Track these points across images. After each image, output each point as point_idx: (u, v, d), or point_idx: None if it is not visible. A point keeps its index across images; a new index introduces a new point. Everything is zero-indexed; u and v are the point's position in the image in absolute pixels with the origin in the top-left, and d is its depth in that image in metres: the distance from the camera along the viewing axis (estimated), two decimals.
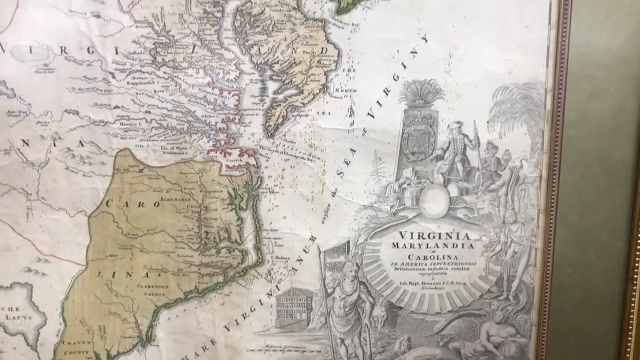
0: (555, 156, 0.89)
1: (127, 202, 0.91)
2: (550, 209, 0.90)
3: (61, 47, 0.87)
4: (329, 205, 0.91)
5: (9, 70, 0.87)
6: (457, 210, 0.91)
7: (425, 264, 0.93)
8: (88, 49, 0.87)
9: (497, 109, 0.88)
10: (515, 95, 0.88)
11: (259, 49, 0.87)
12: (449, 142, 0.89)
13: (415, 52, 0.87)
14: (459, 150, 0.89)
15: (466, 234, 0.92)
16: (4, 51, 0.87)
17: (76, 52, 0.87)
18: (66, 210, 0.91)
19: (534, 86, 0.87)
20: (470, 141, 0.89)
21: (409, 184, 0.90)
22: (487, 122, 0.89)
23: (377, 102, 0.88)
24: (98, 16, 0.86)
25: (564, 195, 0.90)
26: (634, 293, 0.91)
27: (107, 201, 0.91)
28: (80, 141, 0.89)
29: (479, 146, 0.89)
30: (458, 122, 0.89)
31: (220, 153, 0.90)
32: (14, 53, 0.87)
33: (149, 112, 0.88)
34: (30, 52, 0.87)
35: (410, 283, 0.93)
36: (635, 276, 0.90)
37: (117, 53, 0.87)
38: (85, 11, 0.86)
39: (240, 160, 0.90)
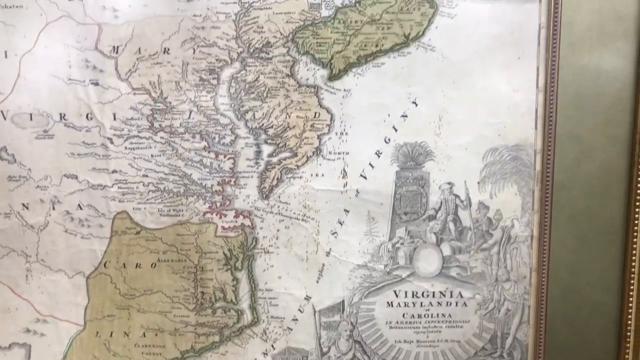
0: (546, 216, 0.90)
1: (124, 264, 0.93)
2: (542, 267, 0.91)
3: (60, 114, 0.89)
4: (323, 265, 0.92)
5: (10, 137, 0.90)
6: (450, 269, 0.92)
7: (420, 322, 0.94)
8: (87, 115, 0.89)
9: (488, 170, 0.90)
10: (505, 156, 0.89)
11: (254, 114, 0.89)
12: (441, 203, 0.91)
13: (406, 116, 0.89)
14: (450, 211, 0.91)
15: (460, 292, 0.93)
16: (5, 118, 0.89)
17: (75, 118, 0.89)
18: (65, 271, 0.93)
19: (523, 148, 0.89)
20: (462, 201, 0.90)
21: (402, 244, 0.92)
22: (478, 182, 0.90)
23: (370, 164, 0.90)
24: (96, 84, 0.88)
25: (555, 253, 0.91)
26: (627, 350, 0.91)
27: (105, 263, 0.93)
28: (79, 204, 0.91)
29: (470, 206, 0.91)
30: (449, 183, 0.90)
31: (216, 215, 0.92)
32: (14, 120, 0.89)
33: (146, 176, 0.90)
34: (31, 119, 0.89)
35: (405, 341, 0.94)
36: (629, 333, 0.91)
37: (115, 119, 0.89)
38: (84, 79, 0.88)
39: (236, 222, 0.92)
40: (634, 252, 0.89)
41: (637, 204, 0.88)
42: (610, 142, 0.89)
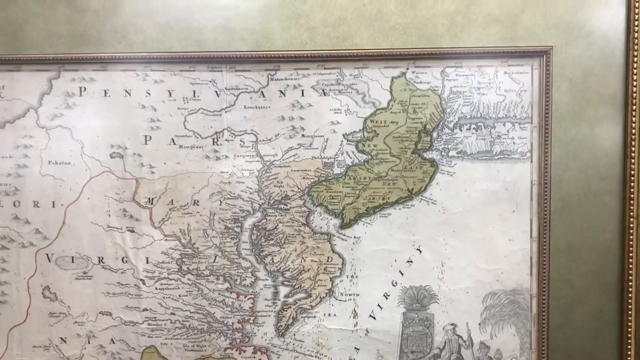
0: (543, 355, 0.96)
1: None
2: None
3: (99, 257, 0.99)
4: None
5: (52, 277, 0.99)
6: None
7: None
8: (122, 259, 0.99)
9: (487, 313, 0.97)
10: (503, 300, 0.97)
11: (273, 258, 0.98)
12: (445, 342, 0.98)
13: (411, 262, 0.97)
14: (454, 350, 0.97)
15: None
16: (50, 261, 0.99)
17: (112, 261, 0.99)
18: None
19: (520, 292, 0.97)
20: (464, 341, 0.97)
21: None
22: (479, 324, 0.97)
23: (378, 305, 0.98)
24: (132, 231, 0.99)
25: None
26: None
27: None
28: (112, 339, 1.00)
29: (472, 346, 0.97)
30: (452, 324, 0.97)
31: (236, 350, 0.99)
32: (58, 262, 0.99)
33: (174, 314, 0.99)
34: (72, 261, 0.99)
35: None
36: None
37: (147, 262, 0.99)
38: (121, 226, 0.99)
39: (254, 358, 0.99)
40: None
41: (629, 347, 0.94)
42: (601, 288, 0.96)
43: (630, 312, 0.94)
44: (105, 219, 0.99)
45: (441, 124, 0.96)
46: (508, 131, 0.96)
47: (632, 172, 0.93)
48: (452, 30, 0.95)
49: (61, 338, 1.00)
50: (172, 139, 0.98)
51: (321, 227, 0.98)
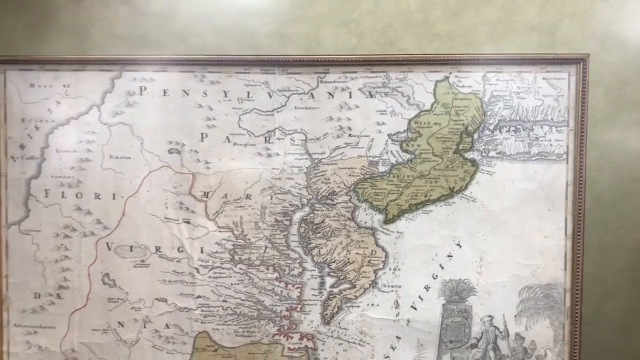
0: (575, 347, 1.02)
1: None
2: None
3: (156, 247, 1.05)
4: None
5: (112, 265, 1.06)
6: None
7: None
8: (178, 248, 1.05)
9: (523, 305, 1.02)
10: (538, 294, 1.02)
11: (319, 250, 1.04)
12: (482, 333, 1.03)
13: (451, 256, 1.03)
14: (490, 340, 1.03)
15: None
16: (109, 249, 1.06)
17: (168, 251, 1.05)
18: None
19: (554, 287, 1.02)
20: (501, 332, 1.03)
21: None
22: (515, 316, 1.03)
23: (419, 296, 1.03)
24: (188, 222, 1.05)
25: None
26: None
27: None
28: (166, 324, 1.06)
29: (508, 337, 1.03)
30: (489, 316, 1.03)
31: (284, 337, 1.05)
32: (117, 251, 1.06)
33: (226, 301, 1.05)
34: (131, 250, 1.05)
35: None
36: None
37: (202, 252, 1.05)
38: (178, 218, 1.05)
39: (300, 344, 1.05)
40: None
41: None
42: (632, 284, 1.01)
43: None
44: (163, 210, 1.05)
45: (482, 126, 1.02)
46: (545, 134, 1.01)
47: None
48: (493, 38, 1.01)
49: (119, 322, 1.06)
50: (227, 137, 1.04)
51: (366, 222, 1.04)
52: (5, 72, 1.05)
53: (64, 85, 1.05)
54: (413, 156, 1.03)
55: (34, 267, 1.07)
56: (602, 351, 1.01)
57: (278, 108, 1.03)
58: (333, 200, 1.04)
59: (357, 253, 1.04)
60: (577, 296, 1.01)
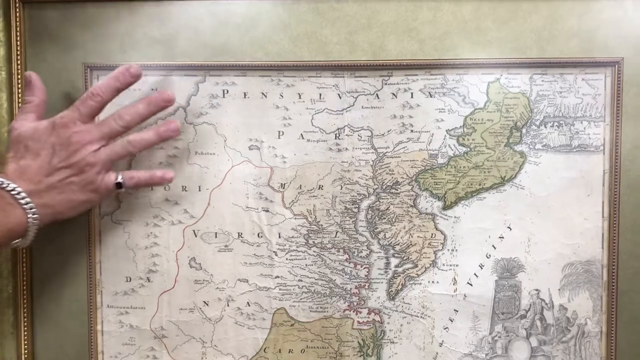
0: (612, 316, 1.15)
1: (280, 349, 1.18)
2: (610, 357, 1.16)
3: (239, 233, 1.17)
4: (437, 354, 1.17)
5: (198, 250, 1.18)
6: (537, 357, 1.17)
7: None
8: (258, 234, 1.17)
9: (566, 280, 1.16)
10: (579, 269, 1.16)
11: (385, 234, 1.17)
12: (530, 305, 1.16)
13: (503, 237, 1.16)
14: (537, 311, 1.16)
15: None
16: (196, 236, 1.18)
17: (249, 236, 1.17)
18: (232, 354, 1.19)
19: (593, 263, 1.16)
20: (546, 304, 1.16)
21: (499, 337, 1.17)
22: (559, 289, 1.16)
23: (475, 274, 1.17)
24: (267, 210, 1.17)
25: (621, 347, 1.15)
26: None
27: (265, 348, 1.18)
28: (247, 302, 1.18)
29: (553, 308, 1.16)
30: (537, 290, 1.16)
31: (353, 312, 1.18)
32: (203, 237, 1.18)
33: (301, 281, 1.17)
34: (216, 236, 1.17)
35: None
36: None
37: (279, 237, 1.17)
38: (258, 207, 1.17)
39: (368, 317, 1.18)
40: None
41: None
42: None
43: None
44: (244, 200, 1.17)
45: (529, 121, 1.15)
46: (584, 128, 1.15)
47: None
48: (539, 44, 1.14)
49: (204, 302, 1.18)
50: (301, 134, 1.16)
51: (426, 209, 1.16)
52: (98, 78, 1.16)
53: (152, 89, 1.16)
54: (468, 149, 1.15)
55: (125, 254, 1.18)
56: (636, 319, 1.15)
57: (347, 108, 1.16)
58: (397, 190, 1.17)
59: (418, 236, 1.17)
60: (613, 271, 1.15)
